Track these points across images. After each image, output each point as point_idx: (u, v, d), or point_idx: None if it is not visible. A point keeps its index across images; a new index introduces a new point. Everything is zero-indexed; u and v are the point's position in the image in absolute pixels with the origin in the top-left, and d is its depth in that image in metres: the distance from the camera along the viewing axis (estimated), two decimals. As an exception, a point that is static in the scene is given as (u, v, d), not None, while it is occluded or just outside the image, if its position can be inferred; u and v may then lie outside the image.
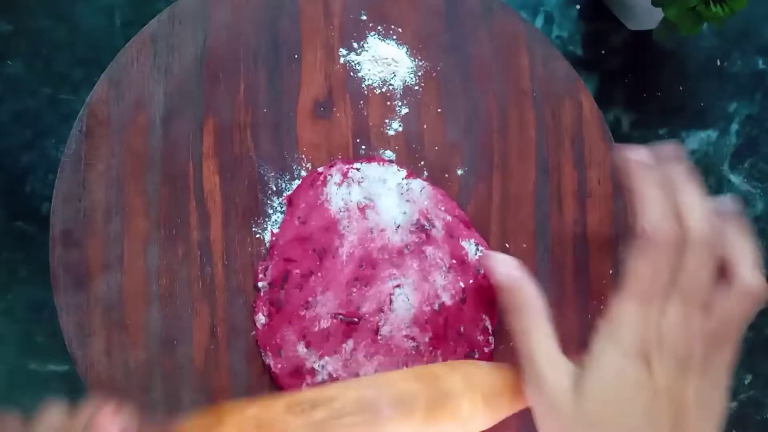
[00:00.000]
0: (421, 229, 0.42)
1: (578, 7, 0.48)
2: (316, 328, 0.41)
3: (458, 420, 0.35)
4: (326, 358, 0.41)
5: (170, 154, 0.42)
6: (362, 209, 0.42)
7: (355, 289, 0.41)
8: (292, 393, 0.36)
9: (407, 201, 0.42)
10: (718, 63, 0.48)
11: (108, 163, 0.41)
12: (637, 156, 0.33)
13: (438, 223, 0.42)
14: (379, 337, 0.41)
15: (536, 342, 0.32)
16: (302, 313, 0.41)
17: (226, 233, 0.42)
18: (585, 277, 0.43)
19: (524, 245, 0.43)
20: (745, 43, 0.49)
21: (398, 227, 0.42)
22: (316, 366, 0.41)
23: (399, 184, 0.42)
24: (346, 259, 0.41)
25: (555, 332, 0.33)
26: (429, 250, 0.42)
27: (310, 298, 0.41)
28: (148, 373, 0.41)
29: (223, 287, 0.41)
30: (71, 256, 0.41)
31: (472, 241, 0.42)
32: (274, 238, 0.42)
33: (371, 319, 0.41)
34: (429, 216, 0.42)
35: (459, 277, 0.42)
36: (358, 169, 0.42)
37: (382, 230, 0.42)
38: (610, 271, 0.43)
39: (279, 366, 0.40)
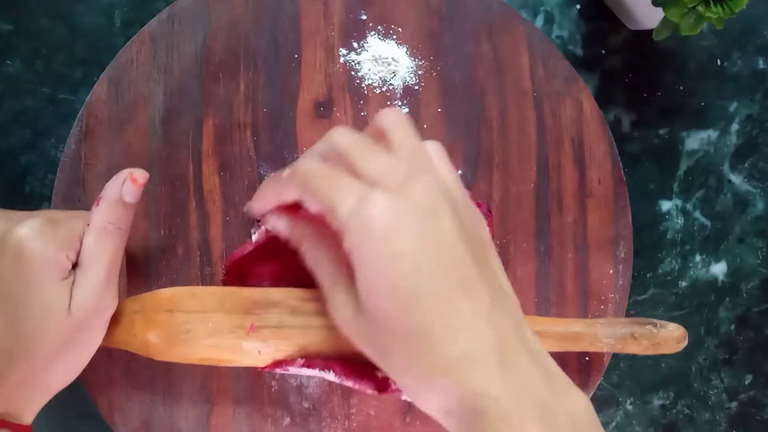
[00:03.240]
0: None
1: (578, 6, 0.48)
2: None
3: None
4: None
5: (170, 154, 0.42)
6: None
7: None
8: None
9: None
10: (719, 63, 0.48)
11: (107, 163, 0.41)
12: None
13: None
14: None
15: (324, 272, 0.34)
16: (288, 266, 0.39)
17: (226, 233, 0.42)
18: (585, 277, 0.43)
19: (524, 245, 0.43)
20: (745, 43, 0.49)
21: None
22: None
23: None
24: None
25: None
26: None
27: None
28: (148, 373, 0.41)
29: (222, 287, 0.41)
30: (71, 256, 0.41)
31: None
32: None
33: None
34: None
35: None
36: None
37: None
38: (611, 271, 0.43)
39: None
